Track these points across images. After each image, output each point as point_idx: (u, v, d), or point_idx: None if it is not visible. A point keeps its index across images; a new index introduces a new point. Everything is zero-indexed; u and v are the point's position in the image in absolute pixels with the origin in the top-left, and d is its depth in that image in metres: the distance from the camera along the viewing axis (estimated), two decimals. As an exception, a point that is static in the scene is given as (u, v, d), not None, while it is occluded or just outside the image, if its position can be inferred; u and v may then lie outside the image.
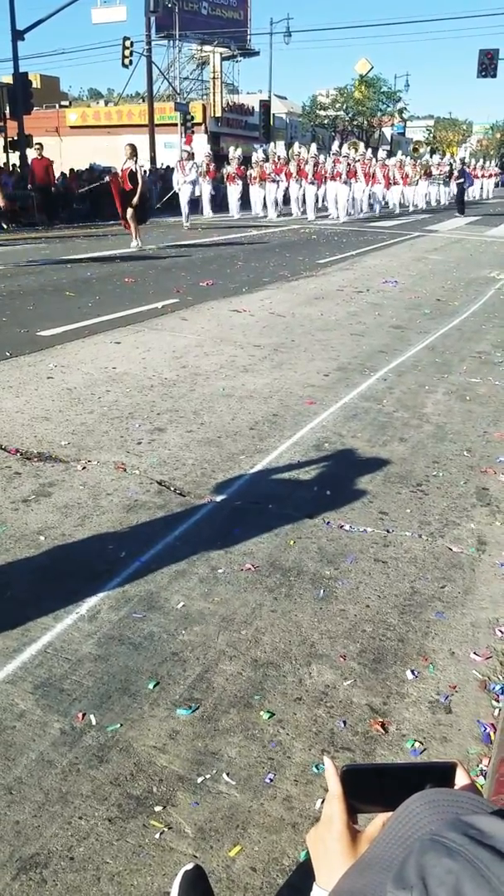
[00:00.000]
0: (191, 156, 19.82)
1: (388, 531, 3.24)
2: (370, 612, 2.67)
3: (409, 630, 2.57)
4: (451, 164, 32.73)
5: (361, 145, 30.40)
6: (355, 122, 53.01)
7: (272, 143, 27.05)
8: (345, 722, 2.13)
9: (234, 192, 24.26)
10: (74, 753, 1.98)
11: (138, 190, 13.47)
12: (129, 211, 13.66)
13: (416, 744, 2.07)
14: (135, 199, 13.51)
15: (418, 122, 73.07)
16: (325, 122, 52.76)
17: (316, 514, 3.36)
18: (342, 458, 4.05)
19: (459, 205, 27.06)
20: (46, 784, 1.88)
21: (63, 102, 44.65)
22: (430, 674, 2.35)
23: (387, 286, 10.26)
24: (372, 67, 49.48)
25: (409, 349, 6.62)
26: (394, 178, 27.83)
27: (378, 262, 13.02)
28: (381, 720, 2.15)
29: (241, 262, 12.34)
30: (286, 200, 25.88)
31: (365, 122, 52.89)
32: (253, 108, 41.09)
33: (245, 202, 24.95)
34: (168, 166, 27.11)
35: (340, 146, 25.40)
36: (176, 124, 32.37)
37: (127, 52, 28.42)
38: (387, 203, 28.57)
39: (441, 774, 0.87)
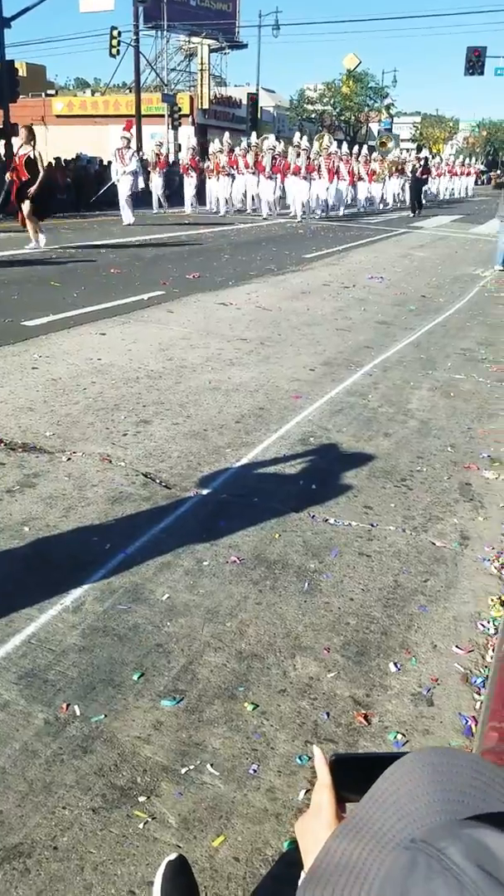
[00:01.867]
0: (129, 143, 17.70)
1: (372, 525, 3.26)
2: (354, 605, 2.68)
3: (392, 623, 2.59)
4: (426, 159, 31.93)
5: (327, 138, 28.50)
6: (342, 118, 53.01)
7: (251, 135, 25.44)
8: (328, 714, 2.15)
9: (189, 184, 22.45)
10: (58, 744, 1.98)
11: (38, 180, 11.55)
12: (27, 204, 11.64)
13: (399, 736, 2.09)
14: (31, 190, 11.54)
15: (406, 118, 73.27)
16: (313, 116, 52.72)
17: (301, 507, 3.37)
18: (328, 453, 4.06)
19: (417, 201, 25.87)
20: (30, 774, 1.87)
21: (49, 91, 44.26)
22: (413, 666, 2.37)
23: (373, 282, 10.28)
24: (360, 63, 49.54)
25: (395, 345, 6.64)
26: (359, 174, 26.56)
27: (364, 258, 13.05)
28: (364, 712, 2.16)
29: (228, 256, 12.31)
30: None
31: (352, 117, 52.92)
32: (240, 100, 40.95)
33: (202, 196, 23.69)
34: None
35: (301, 138, 23.77)
36: (163, 115, 32.20)
37: (114, 42, 28.23)
38: (353, 201, 27.42)
39: None
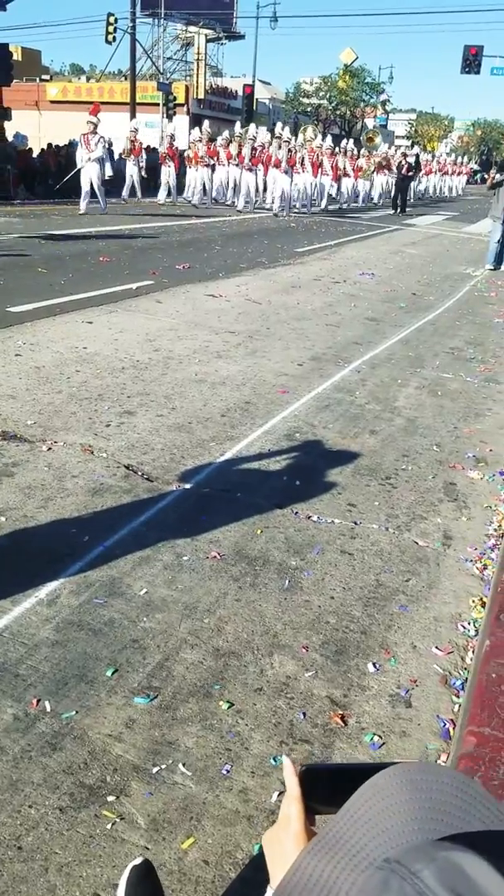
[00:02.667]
0: (96, 128, 16.20)
1: (355, 523, 3.23)
2: (334, 603, 2.65)
3: (372, 623, 2.56)
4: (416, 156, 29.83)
5: (310, 130, 27.17)
6: (338, 112, 52.85)
7: (238, 124, 24.39)
8: (304, 714, 2.11)
9: (165, 173, 21.06)
10: (27, 740, 1.93)
11: None
12: None
13: (375, 737, 2.06)
14: None
15: (401, 115, 73.18)
16: (308, 109, 52.55)
17: (284, 503, 3.33)
18: (313, 449, 4.02)
19: (397, 199, 24.87)
20: (-3, 771, 1.83)
21: (44, 76, 43.81)
22: (392, 667, 2.35)
23: (364, 278, 10.25)
24: (357, 58, 49.29)
25: (384, 342, 6.61)
26: (344, 169, 25.36)
27: (356, 254, 13.00)
28: (340, 713, 2.13)
29: (219, 247, 12.23)
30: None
31: (348, 112, 52.76)
32: (236, 91, 40.67)
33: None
34: (149, 146, 24.86)
35: (283, 129, 22.15)
36: (158, 104, 31.93)
37: (111, 29, 27.96)
38: (335, 197, 26.12)
39: None
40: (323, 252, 12.96)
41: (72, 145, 24.68)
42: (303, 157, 22.20)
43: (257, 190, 22.05)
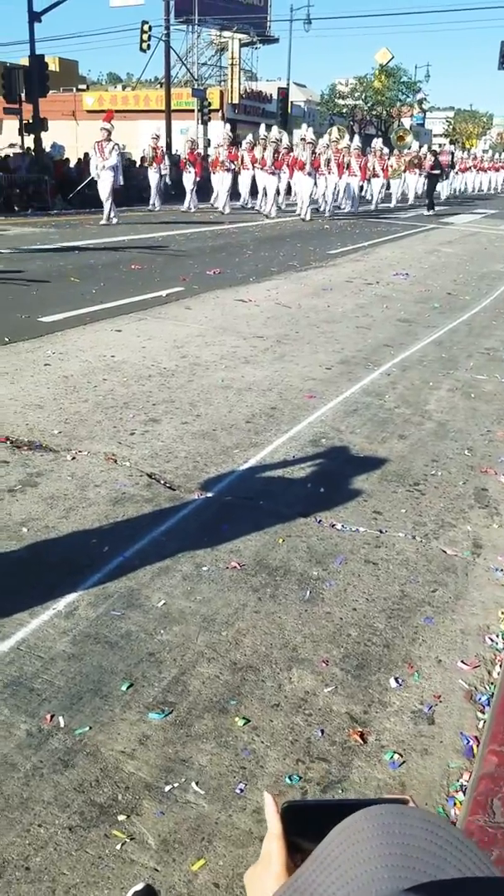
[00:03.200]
0: (110, 135, 15.61)
1: (381, 531, 3.16)
2: (357, 615, 2.59)
3: (395, 635, 2.49)
4: (451, 154, 29.27)
5: (335, 130, 26.13)
6: (374, 112, 52.51)
7: (264, 126, 22.83)
8: (323, 731, 2.06)
9: (187, 180, 20.45)
10: (39, 757, 1.91)
11: None
12: None
13: (395, 756, 1.99)
14: None
15: (438, 113, 72.41)
16: (344, 111, 52.31)
17: (308, 511, 3.28)
18: (339, 455, 3.96)
19: (428, 198, 24.17)
20: (7, 789, 1.81)
21: (81, 86, 44.44)
22: (415, 682, 2.28)
23: (397, 279, 10.12)
24: (392, 57, 48.90)
25: (416, 343, 6.50)
26: (374, 169, 24.47)
27: (390, 254, 12.86)
28: (360, 730, 2.07)
29: (251, 251, 12.21)
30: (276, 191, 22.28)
31: (384, 112, 52.38)
32: (271, 95, 40.71)
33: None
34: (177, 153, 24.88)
35: (306, 130, 20.99)
36: (193, 110, 32.13)
37: (145, 37, 28.18)
38: (364, 197, 25.38)
39: None
40: (356, 253, 12.85)
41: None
42: (328, 159, 21.48)
43: (278, 192, 21.34)
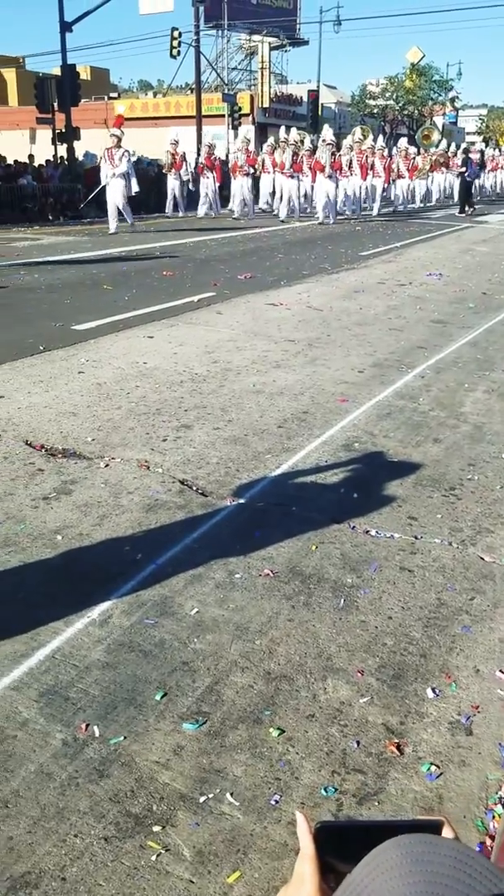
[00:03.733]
0: (120, 142, 15.13)
1: (416, 538, 3.12)
2: (392, 624, 2.55)
3: (432, 645, 2.45)
4: (480, 153, 27.96)
5: (359, 131, 25.29)
6: (405, 112, 52.16)
7: (283, 129, 21.85)
8: (358, 742, 2.03)
9: (204, 185, 19.94)
10: (75, 766, 1.92)
11: None
12: None
13: (433, 767, 1.96)
14: None
15: (471, 111, 71.66)
16: (375, 111, 52.04)
17: (341, 517, 3.25)
18: (372, 460, 3.92)
19: (462, 201, 23.19)
20: (44, 798, 1.82)
21: (112, 94, 44.93)
22: (453, 692, 2.24)
23: (430, 279, 10.02)
24: (423, 56, 48.52)
25: (451, 345, 6.43)
26: (398, 170, 23.76)
27: (423, 255, 12.75)
28: (396, 741, 2.04)
29: (282, 255, 12.20)
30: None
31: (416, 111, 52.00)
32: (301, 98, 40.67)
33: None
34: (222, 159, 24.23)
35: (327, 131, 20.34)
36: (223, 115, 32.26)
37: (175, 43, 28.37)
38: (392, 199, 24.78)
39: (426, 832, 0.77)
40: (389, 254, 12.76)
41: (140, 162, 25.13)
42: (350, 160, 21.09)
43: (304, 196, 20.85)
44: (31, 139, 28.18)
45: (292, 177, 19.57)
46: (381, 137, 26.06)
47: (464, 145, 28.64)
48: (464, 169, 22.97)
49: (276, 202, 20.76)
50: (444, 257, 12.45)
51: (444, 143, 30.19)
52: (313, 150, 20.85)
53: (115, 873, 1.65)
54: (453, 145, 30.50)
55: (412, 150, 25.41)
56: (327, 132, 19.80)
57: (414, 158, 24.82)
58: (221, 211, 20.50)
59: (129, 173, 15.30)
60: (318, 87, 40.72)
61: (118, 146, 15.04)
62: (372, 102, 53.66)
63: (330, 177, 18.71)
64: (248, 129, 22.20)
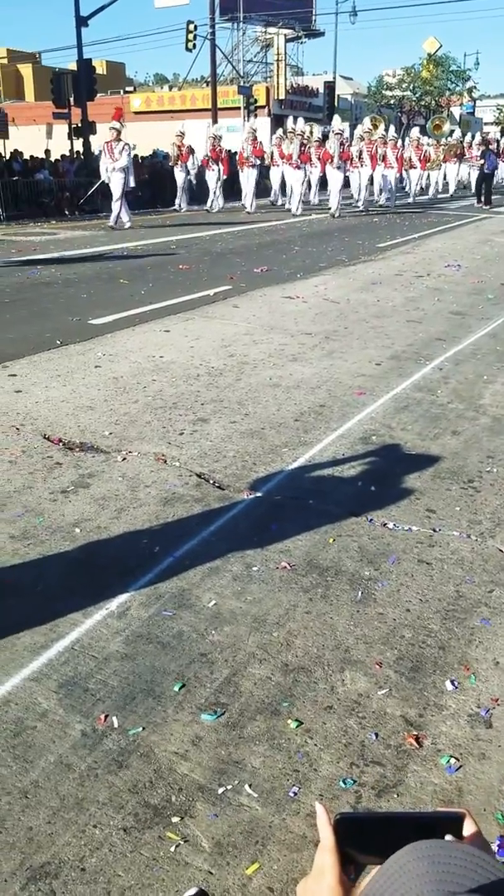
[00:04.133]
0: (120, 135, 14.70)
1: (434, 530, 3.10)
2: (410, 616, 2.54)
3: (451, 637, 2.44)
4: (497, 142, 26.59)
5: (368, 120, 23.79)
6: (423, 103, 51.73)
7: (291, 119, 20.99)
8: (377, 734, 2.02)
9: (210, 178, 19.43)
10: (94, 757, 1.93)
11: None
12: None
13: (452, 760, 1.95)
14: None
15: (489, 100, 70.93)
16: (392, 102, 51.65)
17: (359, 510, 3.23)
18: (390, 452, 3.90)
19: (479, 193, 22.46)
20: (63, 789, 1.83)
21: (128, 88, 44.91)
22: (472, 685, 2.22)
23: (449, 270, 9.95)
24: (440, 46, 48.08)
25: (469, 336, 6.38)
26: (410, 160, 23.32)
27: (441, 245, 12.66)
28: (415, 733, 2.03)
29: (298, 248, 12.16)
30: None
31: (433, 101, 51.54)
32: (317, 89, 40.46)
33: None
34: (230, 150, 23.15)
35: (337, 121, 19.50)
36: (239, 108, 32.15)
37: (190, 37, 28.31)
38: (403, 188, 24.40)
39: (448, 825, 0.77)
40: (406, 246, 12.68)
41: (156, 155, 25.14)
42: (360, 151, 20.46)
43: (309, 187, 20.21)
44: (48, 134, 28.30)
45: (299, 168, 18.95)
46: (391, 128, 24.89)
47: (479, 136, 28.04)
48: (482, 161, 22.27)
49: (284, 194, 20.30)
50: (462, 248, 12.35)
51: (457, 132, 29.40)
52: (324, 141, 20.40)
53: (134, 864, 1.65)
54: (468, 135, 29.68)
55: (424, 140, 24.87)
56: (337, 122, 19.22)
57: (426, 149, 24.37)
58: (227, 205, 19.98)
59: (128, 167, 14.90)
60: (334, 78, 40.52)
61: (118, 139, 14.66)
62: (388, 93, 53.26)
63: (339, 167, 18.23)
64: (254, 120, 21.17)
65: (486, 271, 9.97)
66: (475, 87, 54.09)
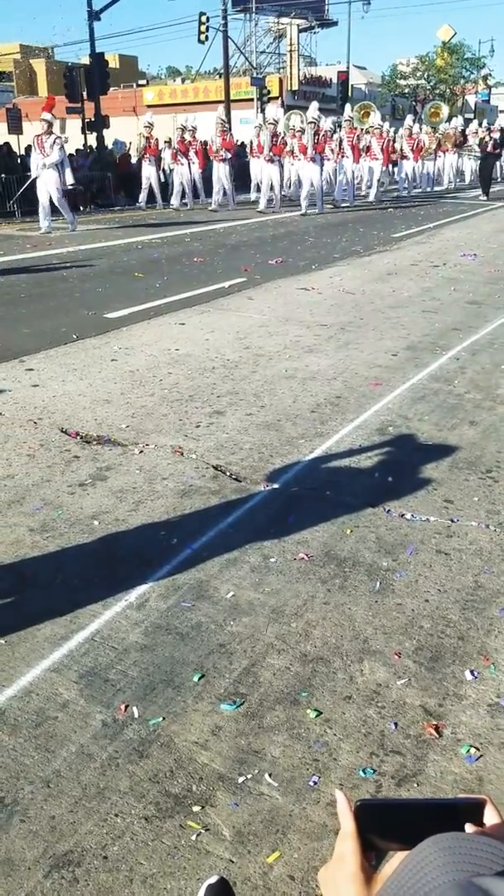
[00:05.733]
0: (52, 128, 12.97)
1: (452, 521, 3.09)
2: (429, 606, 2.53)
3: (470, 627, 2.43)
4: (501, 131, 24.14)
5: (347, 108, 21.13)
6: (437, 91, 51.32)
7: (270, 105, 19.36)
8: (396, 724, 2.02)
9: (178, 173, 18.10)
10: (115, 747, 1.94)
11: None
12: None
13: (472, 749, 1.95)
14: None
15: (504, 88, 70.17)
16: (406, 91, 51.29)
17: (376, 501, 3.23)
18: (406, 443, 3.89)
19: (485, 183, 21.12)
20: (85, 778, 1.85)
21: (140, 81, 44.90)
22: (492, 675, 2.22)
23: (465, 260, 9.87)
24: (455, 34, 47.62)
25: (486, 326, 6.33)
26: (401, 151, 21.69)
27: (456, 235, 12.56)
28: (435, 723, 2.03)
29: (313, 239, 12.11)
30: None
31: (447, 90, 51.12)
32: (331, 79, 40.22)
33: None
34: (241, 142, 22.58)
35: (313, 109, 17.47)
36: (252, 99, 32.02)
37: (203, 28, 28.22)
38: (385, 182, 22.58)
39: (468, 811, 0.77)
40: (421, 236, 12.60)
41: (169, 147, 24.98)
42: (340, 140, 18.92)
43: (281, 182, 18.12)
44: (62, 129, 28.28)
45: (272, 160, 16.92)
46: (377, 115, 22.73)
47: (485, 123, 26.18)
48: (498, 151, 21.19)
49: (259, 189, 18.20)
50: (478, 237, 12.26)
51: (457, 120, 27.62)
52: (304, 131, 18.54)
53: (156, 852, 1.67)
54: (474, 123, 27.97)
55: (417, 128, 22.94)
56: (313, 109, 17.23)
57: (419, 138, 22.55)
58: (198, 202, 18.81)
59: (62, 163, 13.30)
60: (347, 68, 40.22)
61: (49, 132, 12.94)
62: (403, 82, 52.94)
63: (314, 160, 16.45)
64: (221, 110, 18.71)
65: (503, 260, 9.88)
66: (490, 75, 53.60)
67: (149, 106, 38.77)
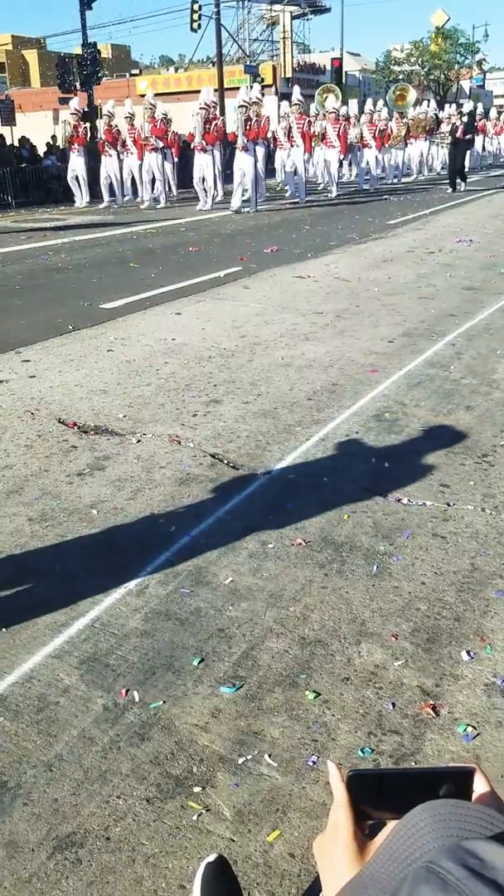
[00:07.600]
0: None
1: (448, 504, 3.11)
2: (426, 589, 2.56)
3: (466, 609, 2.46)
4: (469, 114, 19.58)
5: (297, 90, 18.61)
6: (431, 77, 51.06)
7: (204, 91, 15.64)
8: (394, 704, 2.05)
9: (105, 166, 16.54)
10: (116, 731, 1.96)
11: None
12: None
13: (469, 728, 1.97)
14: None
15: (498, 73, 69.90)
16: (400, 77, 51.00)
17: (372, 487, 3.24)
18: (403, 429, 3.90)
19: (452, 175, 18.44)
20: (86, 762, 1.87)
21: (133, 71, 44.64)
22: (488, 655, 2.24)
23: (460, 246, 9.86)
24: (449, 19, 47.38)
25: (482, 311, 6.34)
26: (361, 138, 19.72)
27: (452, 221, 12.54)
28: (432, 703, 2.05)
29: (308, 227, 12.09)
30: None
31: (442, 75, 50.85)
32: (324, 66, 40.00)
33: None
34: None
35: (250, 88, 15.93)
36: (247, 87, 31.85)
37: (195, 17, 28.06)
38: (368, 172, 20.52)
39: (458, 780, 0.79)
40: (417, 222, 12.57)
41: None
42: (289, 127, 17.08)
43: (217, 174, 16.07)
44: (55, 120, 28.17)
45: (204, 150, 15.35)
46: (333, 98, 21.16)
47: (466, 107, 21.98)
48: (468, 136, 18.44)
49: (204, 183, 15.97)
50: (473, 223, 12.23)
51: (428, 104, 25.02)
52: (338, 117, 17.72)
53: (158, 833, 1.69)
54: (449, 107, 23.77)
55: (380, 114, 20.61)
56: (243, 92, 15.29)
57: (384, 124, 20.36)
58: (130, 200, 17.70)
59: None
60: (341, 54, 39.97)
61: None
62: (397, 68, 52.63)
63: (246, 149, 14.49)
64: (151, 94, 17.04)
65: (499, 246, 9.88)
66: (485, 60, 53.33)
67: (142, 95, 38.51)
